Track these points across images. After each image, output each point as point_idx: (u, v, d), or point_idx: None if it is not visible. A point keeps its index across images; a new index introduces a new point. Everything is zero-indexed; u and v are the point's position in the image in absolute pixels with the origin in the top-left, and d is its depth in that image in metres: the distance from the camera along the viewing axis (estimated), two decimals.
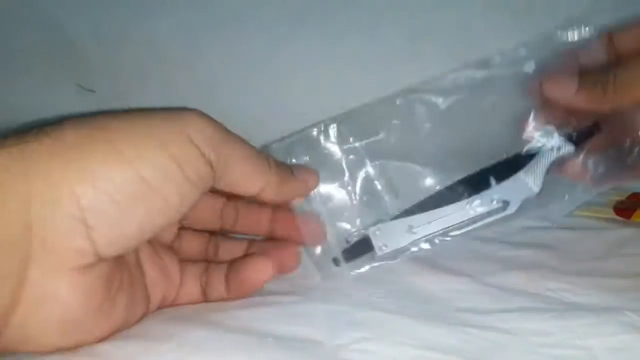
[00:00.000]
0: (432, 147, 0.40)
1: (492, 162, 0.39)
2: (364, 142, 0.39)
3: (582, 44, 0.40)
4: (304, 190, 0.35)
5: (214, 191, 0.32)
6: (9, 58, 0.57)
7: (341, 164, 0.39)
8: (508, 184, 0.37)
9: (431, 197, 0.37)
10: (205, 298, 0.35)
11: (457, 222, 0.36)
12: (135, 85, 0.57)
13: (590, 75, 0.37)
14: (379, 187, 0.39)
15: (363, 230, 0.36)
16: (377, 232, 0.36)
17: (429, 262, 0.39)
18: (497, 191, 0.36)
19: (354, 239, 0.37)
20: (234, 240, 0.39)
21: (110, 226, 0.25)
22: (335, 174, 0.39)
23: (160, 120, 0.27)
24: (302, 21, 0.56)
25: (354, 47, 0.57)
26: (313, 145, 0.38)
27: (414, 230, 0.35)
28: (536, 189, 0.37)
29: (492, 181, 0.37)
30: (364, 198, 0.39)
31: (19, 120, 0.58)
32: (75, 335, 0.27)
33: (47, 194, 0.23)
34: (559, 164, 0.38)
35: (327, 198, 0.38)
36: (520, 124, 0.39)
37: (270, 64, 0.57)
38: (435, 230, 0.36)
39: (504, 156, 0.39)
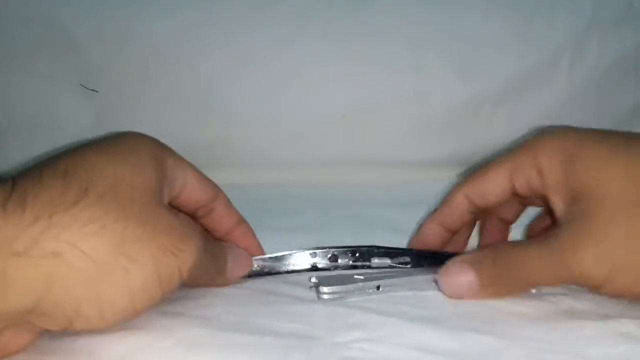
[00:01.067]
0: None
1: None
2: None
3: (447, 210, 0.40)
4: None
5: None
6: (11, 58, 0.57)
7: None
8: None
9: None
10: None
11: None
12: (138, 85, 0.57)
13: (484, 267, 0.35)
14: None
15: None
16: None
17: None
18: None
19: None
20: None
21: (87, 328, 0.29)
22: None
23: (169, 251, 0.29)
24: (304, 22, 0.57)
25: (355, 50, 0.58)
26: None
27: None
28: None
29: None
30: None
31: (23, 121, 0.58)
32: None
33: (57, 298, 0.27)
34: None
35: None
36: None
37: (272, 65, 0.57)
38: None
39: None
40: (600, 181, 0.33)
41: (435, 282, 0.36)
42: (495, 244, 0.41)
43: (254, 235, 0.39)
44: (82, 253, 0.26)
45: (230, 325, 0.31)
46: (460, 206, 0.40)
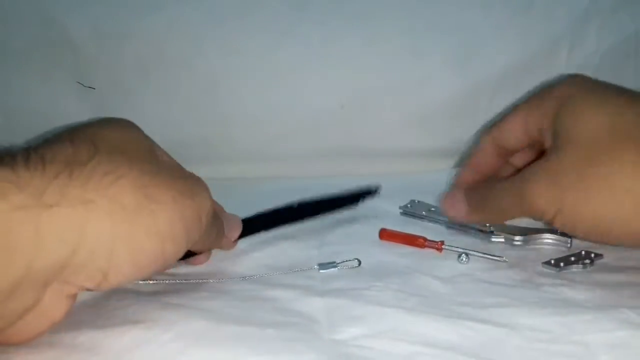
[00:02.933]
0: None
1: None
2: None
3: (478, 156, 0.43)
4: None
5: None
6: (8, 56, 0.57)
7: None
8: None
9: None
10: None
11: None
12: (135, 83, 0.57)
13: (473, 195, 0.41)
14: None
15: None
16: None
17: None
18: None
19: None
20: None
21: (119, 280, 0.29)
22: None
23: (188, 195, 0.31)
24: (301, 13, 0.56)
25: (353, 44, 0.57)
26: None
27: None
28: None
29: None
30: None
31: (20, 118, 0.58)
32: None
33: (92, 246, 0.27)
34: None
35: None
36: None
37: (269, 58, 0.57)
38: None
39: None
40: (578, 124, 0.35)
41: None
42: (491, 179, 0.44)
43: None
44: (110, 199, 0.27)
45: (231, 317, 0.31)
46: (488, 149, 0.42)
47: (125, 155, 0.29)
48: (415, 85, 0.58)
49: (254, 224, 0.41)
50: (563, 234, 0.42)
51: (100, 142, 0.29)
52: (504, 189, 0.38)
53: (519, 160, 0.43)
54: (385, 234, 0.43)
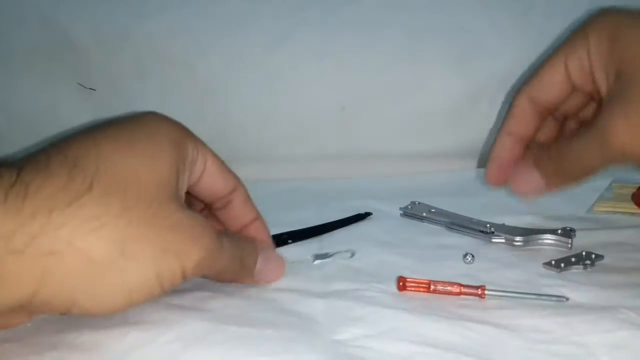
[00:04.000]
0: None
1: None
2: None
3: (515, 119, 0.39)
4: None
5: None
6: (9, 58, 0.57)
7: None
8: None
9: None
10: None
11: None
12: (135, 84, 0.57)
13: (544, 165, 0.38)
14: None
15: None
16: None
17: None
18: None
19: None
20: None
21: (85, 314, 0.29)
22: None
23: (172, 250, 0.29)
24: (301, 16, 0.57)
25: (354, 46, 0.57)
26: None
27: None
28: None
29: None
30: None
31: (21, 119, 0.59)
32: None
33: (53, 292, 0.26)
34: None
35: None
36: None
37: (269, 60, 0.57)
38: None
39: None
40: (638, 58, 0.33)
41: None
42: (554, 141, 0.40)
43: (268, 233, 0.38)
44: (79, 251, 0.26)
45: (231, 318, 0.31)
46: (525, 110, 0.39)
47: (123, 194, 0.28)
48: (416, 87, 0.58)
49: None
50: (564, 235, 0.41)
51: (103, 174, 0.27)
52: (582, 142, 0.34)
53: (569, 107, 0.39)
54: (405, 283, 0.35)
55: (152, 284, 0.28)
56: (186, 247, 0.29)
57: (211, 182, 0.34)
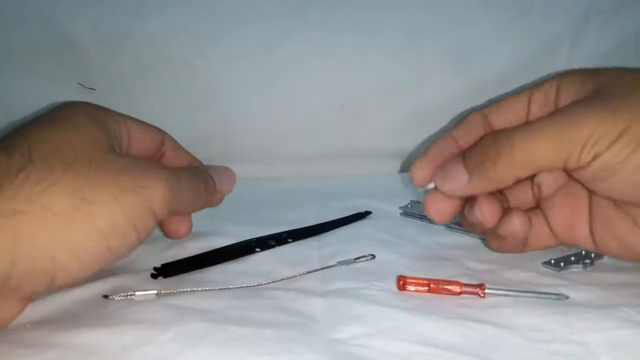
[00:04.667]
0: None
1: None
2: None
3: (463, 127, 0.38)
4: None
5: None
6: (9, 57, 0.57)
7: None
8: None
9: None
10: None
11: None
12: (135, 84, 0.57)
13: (472, 155, 0.35)
14: None
15: None
16: None
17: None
18: None
19: None
20: None
21: (70, 279, 0.30)
22: None
23: (132, 190, 0.31)
24: (301, 14, 0.57)
25: (354, 45, 0.57)
26: None
27: None
28: None
29: None
30: None
31: (19, 119, 0.58)
32: None
33: (30, 254, 0.27)
34: None
35: None
36: None
37: (269, 59, 0.57)
38: None
39: None
40: (615, 82, 0.32)
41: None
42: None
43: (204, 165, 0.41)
44: (42, 207, 0.27)
45: (230, 318, 0.31)
46: (475, 122, 0.37)
47: (64, 158, 0.29)
48: (415, 86, 0.58)
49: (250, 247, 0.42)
50: None
51: (38, 148, 0.29)
52: (537, 128, 0.32)
53: None
54: (405, 282, 0.35)
55: (124, 225, 0.30)
56: (144, 182, 0.31)
57: (140, 144, 0.36)
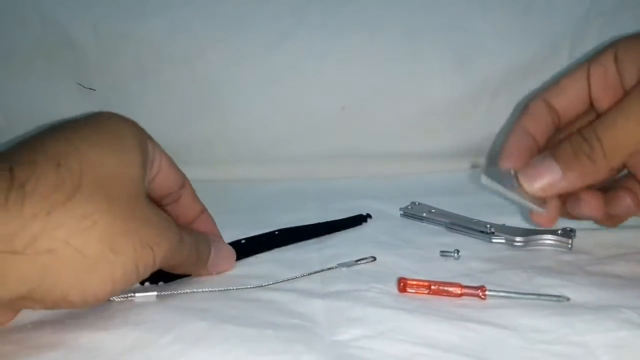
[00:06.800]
0: None
1: None
2: None
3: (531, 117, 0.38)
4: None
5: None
6: (9, 57, 0.57)
7: None
8: None
9: None
10: None
11: None
12: (136, 84, 0.57)
13: (564, 152, 0.35)
14: None
15: None
16: None
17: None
18: None
19: None
20: None
21: (70, 308, 0.30)
22: None
23: (150, 243, 0.31)
24: (301, 15, 0.56)
25: (354, 46, 0.57)
26: None
27: None
28: None
29: None
30: None
31: (21, 120, 0.58)
32: None
33: (48, 288, 0.28)
34: None
35: None
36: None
37: (269, 60, 0.57)
38: None
39: None
40: None
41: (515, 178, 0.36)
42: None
43: (215, 225, 0.40)
44: (75, 249, 0.28)
45: (231, 319, 0.31)
46: (541, 110, 0.38)
47: (106, 193, 0.29)
48: (416, 87, 0.58)
49: (247, 248, 0.41)
50: (564, 235, 0.41)
51: (88, 170, 0.29)
52: (611, 124, 0.33)
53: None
54: (406, 284, 0.35)
55: (132, 274, 0.30)
56: (158, 239, 0.31)
57: (165, 179, 0.36)
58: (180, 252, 0.33)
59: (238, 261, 0.40)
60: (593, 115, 0.38)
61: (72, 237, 0.27)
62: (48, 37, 0.56)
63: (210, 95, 0.57)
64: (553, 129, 0.39)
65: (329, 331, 0.31)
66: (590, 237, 0.42)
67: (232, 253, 0.39)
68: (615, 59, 0.35)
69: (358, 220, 0.47)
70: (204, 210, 0.40)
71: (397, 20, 0.57)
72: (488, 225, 0.43)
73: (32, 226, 0.26)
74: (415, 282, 0.35)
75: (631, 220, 0.45)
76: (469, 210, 0.46)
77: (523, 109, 0.39)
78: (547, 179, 0.35)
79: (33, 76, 0.57)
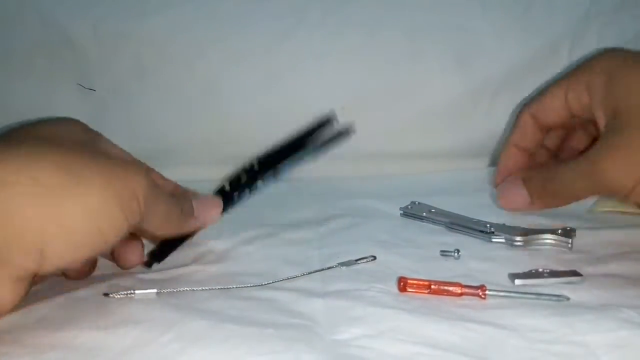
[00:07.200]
0: None
1: None
2: None
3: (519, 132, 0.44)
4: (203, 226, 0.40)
5: None
6: (9, 57, 0.57)
7: None
8: None
9: None
10: None
11: None
12: (136, 85, 0.57)
13: (534, 184, 0.41)
14: None
15: None
16: None
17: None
18: None
19: None
20: None
21: (62, 258, 0.29)
22: None
23: (120, 175, 0.31)
24: (301, 15, 0.56)
25: (353, 46, 0.57)
26: None
27: None
28: None
29: None
30: None
31: (19, 119, 0.58)
32: None
33: (18, 226, 0.27)
34: None
35: None
36: None
37: (269, 60, 0.57)
38: None
39: None
40: (634, 101, 0.35)
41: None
42: (545, 163, 0.45)
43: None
44: (31, 178, 0.27)
45: (231, 317, 0.31)
46: (528, 124, 0.43)
47: (54, 139, 0.30)
48: (416, 87, 0.58)
49: (232, 193, 0.41)
50: (564, 234, 0.41)
51: (30, 135, 0.31)
52: (572, 169, 0.38)
53: (553, 140, 0.45)
54: (406, 284, 0.35)
55: (114, 207, 0.29)
56: (133, 174, 0.31)
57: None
58: (159, 199, 0.33)
59: (240, 260, 0.40)
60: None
61: (24, 169, 0.28)
62: (48, 37, 0.56)
63: (210, 95, 0.57)
64: (542, 134, 0.44)
65: (329, 330, 0.31)
66: (591, 236, 0.42)
67: (217, 200, 0.40)
68: (588, 90, 0.38)
69: (324, 124, 0.46)
70: (177, 186, 0.39)
71: (397, 20, 0.57)
72: (488, 225, 0.43)
73: None
74: (415, 282, 0.35)
75: (632, 220, 0.45)
76: (469, 210, 0.46)
77: (514, 122, 0.44)
78: (517, 202, 0.42)
79: (32, 76, 0.57)
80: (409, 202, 0.49)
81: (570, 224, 0.43)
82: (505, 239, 0.42)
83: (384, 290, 0.35)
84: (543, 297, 0.34)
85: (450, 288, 0.34)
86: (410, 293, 0.35)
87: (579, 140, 0.45)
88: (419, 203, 0.49)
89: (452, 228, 0.45)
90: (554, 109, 0.41)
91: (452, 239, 0.43)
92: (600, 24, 0.58)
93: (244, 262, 0.40)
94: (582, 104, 0.39)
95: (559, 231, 0.41)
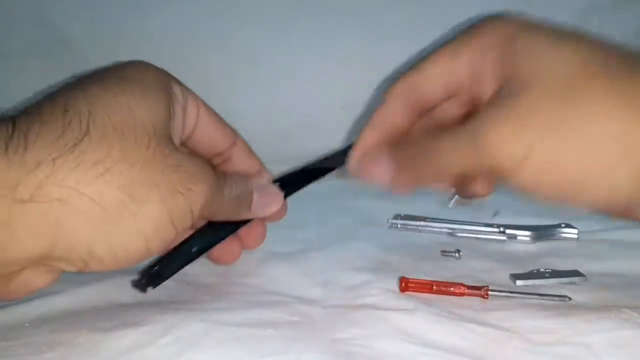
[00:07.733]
0: None
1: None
2: None
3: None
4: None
5: None
6: (5, 57, 0.57)
7: None
8: None
9: None
10: None
11: None
12: None
13: (401, 146, 0.34)
14: None
15: None
16: None
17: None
18: None
19: None
20: None
21: (100, 267, 0.28)
22: None
23: (182, 189, 0.29)
24: (300, 14, 0.56)
25: (354, 45, 0.57)
26: None
27: None
28: None
29: None
30: None
31: None
32: None
33: (69, 243, 0.27)
34: None
35: None
36: None
37: (268, 59, 0.57)
38: None
39: None
40: (533, 65, 0.29)
41: None
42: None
43: (267, 172, 0.38)
44: (88, 198, 0.26)
45: (231, 319, 0.31)
46: (397, 105, 0.35)
47: (120, 137, 0.27)
48: None
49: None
50: (568, 226, 0.41)
51: (98, 115, 0.27)
52: (449, 138, 0.30)
53: (435, 118, 0.36)
54: (407, 284, 0.35)
55: (167, 227, 0.28)
56: (191, 185, 0.29)
57: (207, 134, 0.34)
58: (219, 198, 0.31)
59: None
60: (456, 104, 0.35)
61: (83, 186, 0.26)
62: (45, 36, 0.56)
63: (208, 95, 0.57)
64: (413, 118, 0.35)
65: (330, 330, 0.30)
66: (591, 236, 0.42)
67: (278, 195, 0.36)
68: (479, 54, 0.32)
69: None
70: (262, 170, 0.37)
71: (397, 19, 0.57)
72: (489, 225, 0.43)
73: (36, 173, 0.25)
74: (416, 282, 0.34)
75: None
76: (469, 210, 0.46)
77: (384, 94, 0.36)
78: (379, 173, 0.33)
79: (30, 75, 0.57)
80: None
81: (571, 224, 0.43)
82: (508, 237, 0.42)
83: (385, 290, 0.35)
84: (545, 297, 0.33)
85: (452, 288, 0.34)
86: (411, 293, 0.34)
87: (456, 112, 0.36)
88: (404, 215, 0.47)
89: (455, 235, 0.44)
90: (434, 83, 0.34)
91: (454, 239, 0.43)
92: (599, 22, 0.58)
93: (245, 263, 0.40)
94: (472, 75, 0.32)
95: (562, 225, 0.41)
